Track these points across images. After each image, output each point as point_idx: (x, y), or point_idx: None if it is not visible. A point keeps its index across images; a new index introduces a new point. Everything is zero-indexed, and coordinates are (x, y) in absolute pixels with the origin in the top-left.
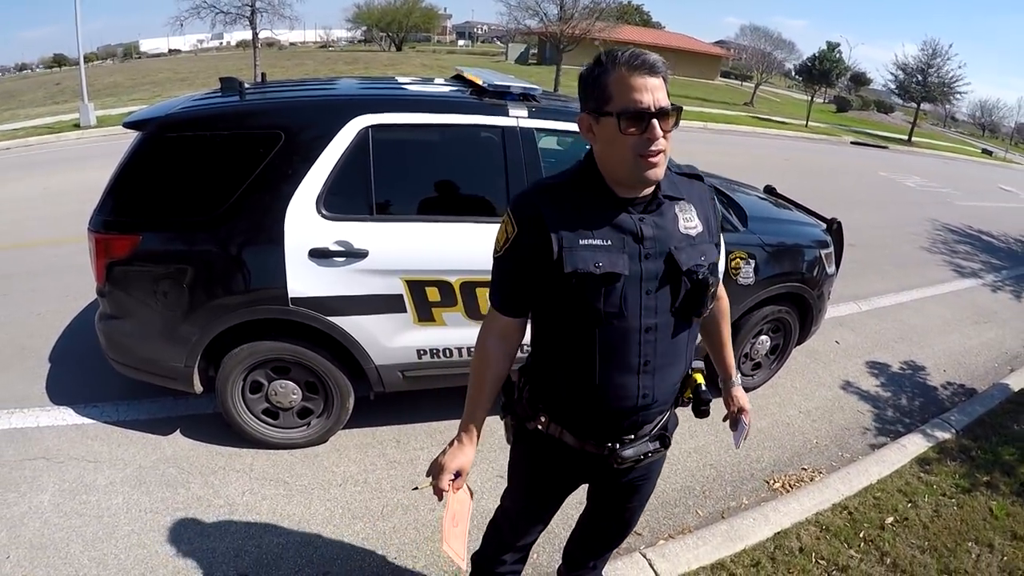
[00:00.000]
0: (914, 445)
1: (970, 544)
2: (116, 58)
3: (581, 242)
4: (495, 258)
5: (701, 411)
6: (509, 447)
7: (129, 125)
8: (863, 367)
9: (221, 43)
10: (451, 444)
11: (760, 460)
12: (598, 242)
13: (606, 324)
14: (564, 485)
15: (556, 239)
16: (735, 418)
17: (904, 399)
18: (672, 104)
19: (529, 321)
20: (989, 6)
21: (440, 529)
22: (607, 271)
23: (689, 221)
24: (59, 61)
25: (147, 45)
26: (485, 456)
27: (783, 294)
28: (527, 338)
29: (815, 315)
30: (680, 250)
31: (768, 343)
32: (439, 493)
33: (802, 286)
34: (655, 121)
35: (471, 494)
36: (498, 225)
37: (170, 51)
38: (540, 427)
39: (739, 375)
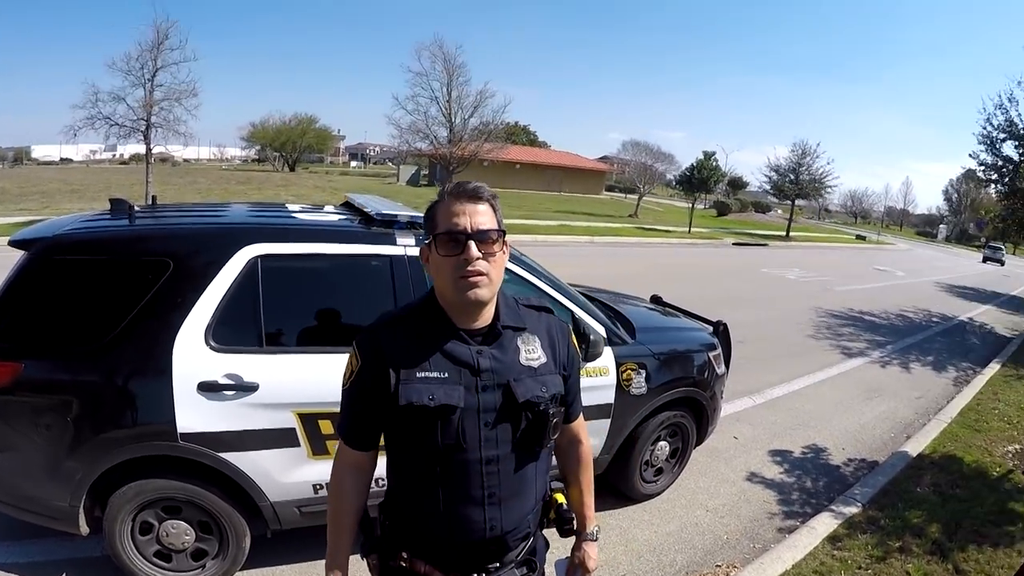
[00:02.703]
0: (823, 525)
1: None
2: (6, 162)
3: (418, 375)
4: (343, 391)
5: (565, 530)
6: None
7: (15, 244)
8: (765, 457)
9: (114, 155)
10: None
11: (673, 563)
12: (435, 374)
13: (445, 457)
14: None
15: (394, 372)
16: (576, 572)
17: (808, 482)
18: (496, 228)
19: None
20: (851, 105)
21: None
22: (442, 403)
23: (532, 352)
24: None
25: (39, 151)
26: None
27: (677, 399)
28: (382, 471)
29: (710, 415)
30: (519, 382)
31: (667, 448)
32: None
33: (694, 389)
34: (471, 242)
35: None
36: None
37: (62, 159)
38: (403, 563)
39: (597, 529)
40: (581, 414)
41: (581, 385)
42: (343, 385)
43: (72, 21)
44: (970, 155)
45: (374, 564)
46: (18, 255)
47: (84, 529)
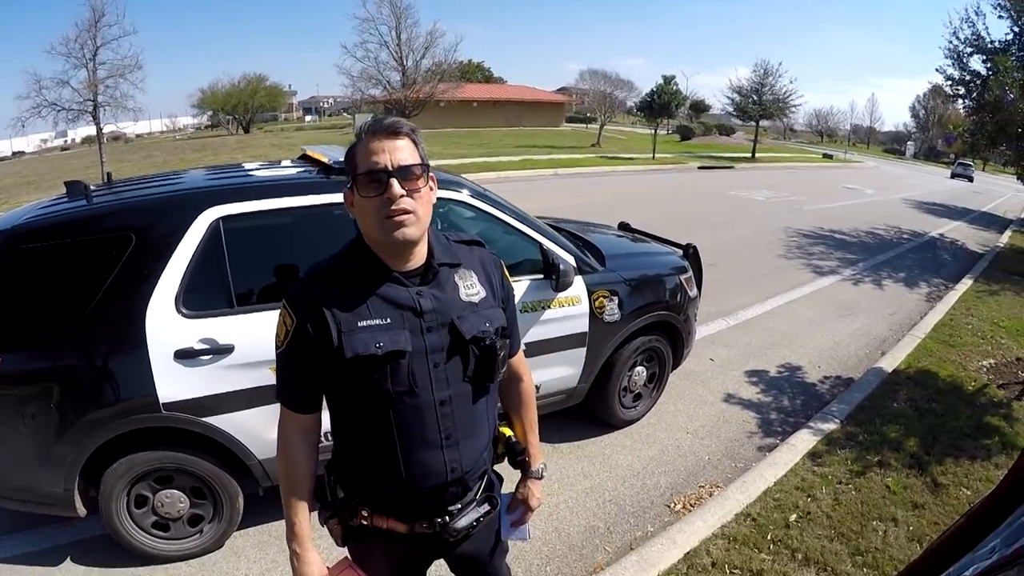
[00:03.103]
0: (803, 442)
1: (875, 523)
2: None
3: (360, 324)
4: (277, 354)
5: (518, 462)
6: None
7: None
8: (741, 378)
9: (66, 141)
10: (292, 563)
11: (657, 486)
12: (377, 321)
13: (398, 403)
14: (411, 569)
15: (334, 325)
16: (517, 507)
17: (786, 400)
18: (419, 163)
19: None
20: (814, 28)
21: None
22: (389, 350)
23: (471, 288)
24: None
25: None
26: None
27: (651, 324)
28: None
29: (685, 339)
30: (463, 319)
31: (644, 373)
32: None
33: (668, 313)
34: (393, 180)
35: (354, 571)
36: None
37: (14, 153)
38: (364, 522)
39: (542, 467)
40: (521, 349)
41: (556, 315)
42: (277, 348)
43: (3, 12)
44: (937, 70)
45: (335, 528)
46: None
47: (81, 511)
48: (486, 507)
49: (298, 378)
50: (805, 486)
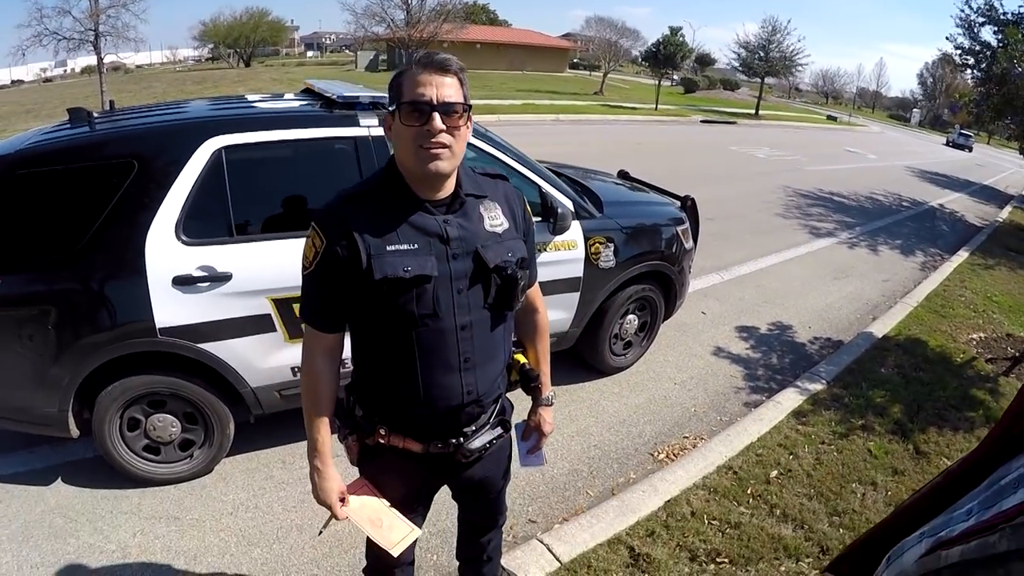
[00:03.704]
0: (788, 400)
1: (854, 485)
2: None
3: (388, 248)
4: (305, 275)
5: (531, 388)
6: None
7: None
8: (732, 333)
9: (66, 70)
10: (312, 478)
11: (642, 435)
12: (405, 246)
13: (421, 326)
14: (422, 491)
15: (364, 248)
16: (531, 434)
17: (774, 358)
18: (462, 103)
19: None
20: None
21: (378, 542)
22: (416, 274)
23: (495, 219)
24: None
25: None
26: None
27: (645, 273)
28: (347, 353)
29: (678, 290)
30: (487, 248)
31: (636, 322)
32: (343, 517)
33: (662, 263)
34: (436, 114)
35: (369, 489)
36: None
37: (13, 82)
38: (382, 440)
39: (552, 395)
40: (537, 282)
41: (551, 259)
42: (304, 268)
43: None
44: (947, 38)
45: (352, 445)
46: None
47: (75, 432)
48: (499, 430)
49: (325, 298)
50: (788, 444)
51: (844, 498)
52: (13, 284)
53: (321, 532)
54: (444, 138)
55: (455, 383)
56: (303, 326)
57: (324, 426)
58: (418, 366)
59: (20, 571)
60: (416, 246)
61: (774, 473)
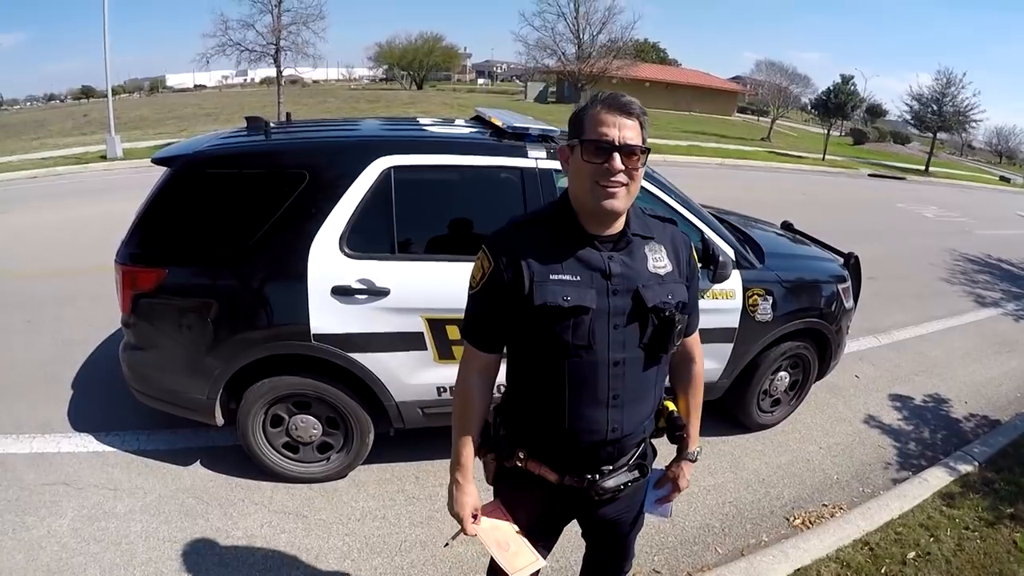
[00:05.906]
0: (936, 479)
1: None
2: (143, 92)
3: (551, 276)
4: (470, 295)
5: (676, 436)
6: (492, 487)
7: (158, 161)
8: (884, 401)
9: (246, 79)
10: (451, 491)
11: (780, 497)
12: (567, 277)
13: (574, 356)
14: (551, 521)
15: (528, 274)
16: (665, 485)
17: (926, 432)
18: (641, 145)
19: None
20: (1000, 35)
21: (501, 564)
22: (575, 304)
23: (659, 261)
24: (87, 93)
25: (173, 80)
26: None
27: (801, 330)
28: (501, 376)
29: (834, 350)
30: (648, 288)
31: (787, 379)
32: (472, 534)
33: (820, 321)
34: (616, 154)
35: (502, 513)
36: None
37: (195, 86)
38: (519, 464)
39: (698, 451)
40: (697, 331)
41: (708, 307)
42: (471, 288)
43: None
44: None
45: (490, 463)
46: (161, 172)
47: (219, 420)
48: (636, 474)
49: (486, 319)
50: (930, 525)
51: None
52: (180, 275)
53: (448, 544)
54: (621, 177)
55: (601, 418)
56: (463, 343)
57: (469, 442)
58: (567, 395)
59: (147, 542)
60: (579, 278)
61: (911, 554)
